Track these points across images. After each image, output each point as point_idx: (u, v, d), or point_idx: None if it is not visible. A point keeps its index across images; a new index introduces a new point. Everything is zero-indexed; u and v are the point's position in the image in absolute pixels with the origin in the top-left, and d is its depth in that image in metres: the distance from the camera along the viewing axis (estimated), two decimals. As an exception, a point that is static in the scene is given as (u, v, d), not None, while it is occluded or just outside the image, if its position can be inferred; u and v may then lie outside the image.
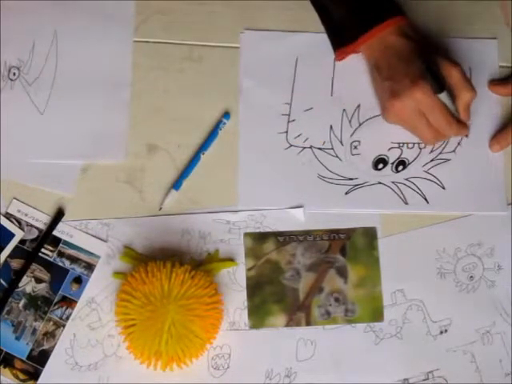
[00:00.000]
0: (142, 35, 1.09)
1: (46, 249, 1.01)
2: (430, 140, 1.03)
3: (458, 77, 1.00)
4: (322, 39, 1.09)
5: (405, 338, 1.00)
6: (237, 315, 1.00)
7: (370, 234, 1.03)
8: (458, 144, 1.07)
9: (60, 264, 1.01)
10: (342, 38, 1.06)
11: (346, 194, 1.04)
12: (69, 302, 1.00)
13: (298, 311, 1.01)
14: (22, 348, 0.98)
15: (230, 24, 1.08)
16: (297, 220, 1.03)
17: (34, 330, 0.99)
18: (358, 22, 1.04)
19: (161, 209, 1.03)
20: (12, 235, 1.01)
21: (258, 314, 1.00)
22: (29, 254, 1.01)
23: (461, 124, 1.02)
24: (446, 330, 1.00)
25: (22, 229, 1.02)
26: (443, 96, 0.99)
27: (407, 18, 1.04)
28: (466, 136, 1.05)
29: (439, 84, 0.98)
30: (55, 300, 1.00)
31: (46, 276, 1.00)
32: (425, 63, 0.98)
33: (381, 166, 1.05)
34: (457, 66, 1.00)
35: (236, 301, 1.00)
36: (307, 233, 1.03)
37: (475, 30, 1.10)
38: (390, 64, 1.02)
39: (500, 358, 1.00)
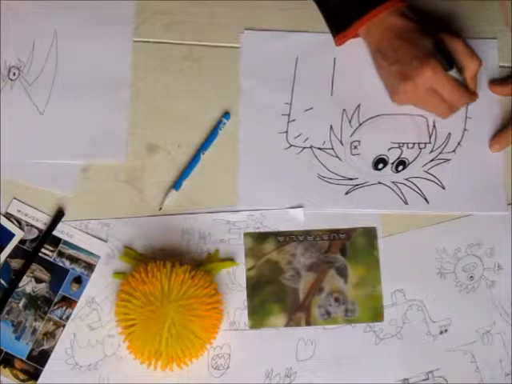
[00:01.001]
0: (142, 35, 1.09)
1: (46, 249, 1.01)
2: (445, 114, 1.04)
3: (462, 49, 1.01)
4: (322, 39, 1.09)
5: (405, 338, 1.00)
6: (237, 315, 1.00)
7: (370, 234, 1.03)
8: (458, 144, 1.07)
9: (60, 264, 1.01)
10: (339, 23, 1.06)
11: (346, 194, 1.04)
12: (69, 301, 1.00)
13: (298, 311, 1.01)
14: (22, 348, 0.98)
15: (230, 24, 1.08)
16: (297, 220, 1.03)
17: (34, 330, 0.99)
18: (355, 5, 1.04)
19: (161, 209, 1.03)
20: (12, 235, 1.01)
21: (257, 314, 1.00)
22: (29, 254, 1.01)
23: (470, 92, 1.04)
24: (446, 330, 1.01)
25: (22, 229, 1.02)
26: (459, 76, 1.02)
27: (405, 1, 1.04)
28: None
29: (448, 61, 1.00)
30: (55, 300, 1.00)
31: (45, 276, 1.00)
32: (433, 42, 1.00)
33: (381, 166, 1.05)
34: (459, 39, 1.01)
35: (236, 301, 1.00)
36: (307, 233, 1.03)
37: (475, 30, 1.10)
38: (393, 47, 1.02)
39: (500, 358, 1.00)
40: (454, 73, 1.01)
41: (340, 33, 1.06)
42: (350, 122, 1.07)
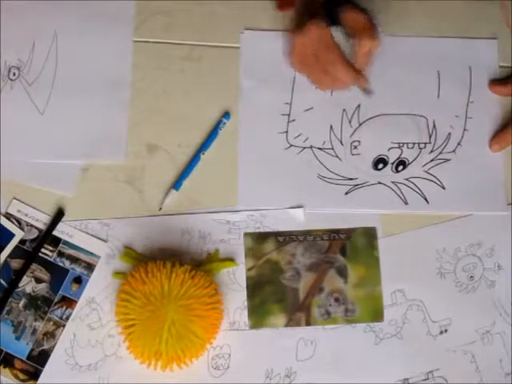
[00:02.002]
0: (142, 35, 1.09)
1: (46, 249, 1.01)
2: (323, 83, 1.03)
3: (362, 24, 1.00)
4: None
5: (405, 338, 1.00)
6: (237, 315, 1.00)
7: (370, 234, 1.03)
8: (458, 144, 1.07)
9: (60, 264, 1.01)
10: None
11: (346, 194, 1.04)
12: (69, 301, 1.00)
13: (298, 311, 1.01)
14: (22, 348, 0.98)
15: (230, 24, 1.08)
16: (297, 220, 1.03)
17: (34, 330, 0.99)
18: None
19: (161, 209, 1.03)
20: (12, 235, 1.01)
21: (257, 314, 1.00)
22: (29, 254, 1.01)
23: (357, 72, 1.01)
24: (446, 330, 1.01)
25: (22, 229, 1.02)
26: (346, 45, 1.00)
27: None
28: (367, 93, 1.04)
29: (332, 17, 0.98)
30: (55, 300, 1.00)
31: (45, 276, 1.00)
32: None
33: (381, 166, 1.06)
34: (365, 14, 1.00)
35: (236, 301, 1.00)
36: (307, 233, 1.03)
37: (475, 30, 1.10)
38: (299, 12, 1.02)
39: (500, 358, 1.00)
40: (346, 47, 1.00)
41: None
42: (349, 122, 1.07)
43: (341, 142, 1.06)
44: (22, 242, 1.01)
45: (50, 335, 0.99)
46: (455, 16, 1.11)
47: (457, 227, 1.03)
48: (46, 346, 0.99)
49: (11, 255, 1.01)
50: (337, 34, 0.99)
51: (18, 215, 1.02)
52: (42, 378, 0.98)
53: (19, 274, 1.00)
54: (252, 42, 1.09)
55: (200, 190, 1.04)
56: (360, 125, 1.07)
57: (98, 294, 1.00)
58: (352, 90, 1.05)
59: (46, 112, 1.06)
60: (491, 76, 1.09)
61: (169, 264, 0.95)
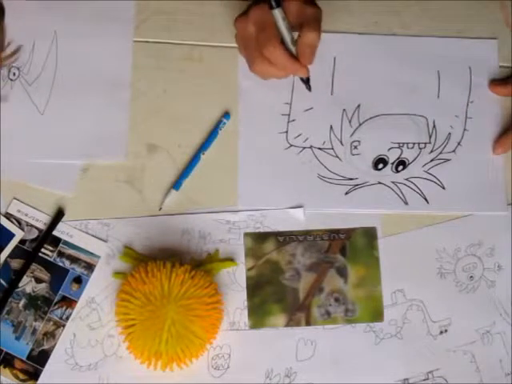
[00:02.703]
0: (142, 35, 1.09)
1: (46, 249, 1.01)
2: (259, 68, 1.01)
3: (308, 15, 0.99)
4: (322, 39, 1.08)
5: (405, 338, 1.00)
6: (237, 315, 1.00)
7: (370, 234, 1.03)
8: (458, 144, 1.07)
9: (60, 264, 1.01)
10: None
11: (346, 194, 1.04)
12: (69, 301, 1.00)
13: (298, 311, 1.01)
14: (22, 348, 0.98)
15: (230, 24, 1.08)
16: (297, 220, 1.03)
17: (34, 330, 0.99)
18: None
19: (161, 209, 1.03)
20: (12, 235, 1.01)
21: (257, 314, 1.00)
22: (29, 254, 1.01)
23: (295, 61, 0.99)
24: (446, 330, 1.01)
25: (22, 229, 1.02)
26: (285, 30, 0.97)
27: None
28: (307, 86, 1.04)
29: (277, 2, 0.96)
30: (55, 300, 1.00)
31: (45, 276, 1.00)
32: None
33: (381, 166, 1.06)
34: (313, 7, 0.99)
35: (236, 301, 1.00)
36: (307, 233, 1.03)
37: (475, 30, 1.10)
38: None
39: (500, 358, 1.00)
40: (285, 33, 0.98)
41: None
42: (349, 121, 1.07)
43: (341, 142, 1.06)
44: (22, 242, 1.01)
45: (50, 335, 0.99)
46: (455, 16, 1.10)
47: (457, 227, 1.03)
48: (46, 346, 0.99)
49: (11, 255, 1.01)
50: (277, 16, 0.97)
51: (17, 215, 1.02)
52: (42, 378, 0.98)
53: (19, 274, 1.00)
54: (252, 41, 1.09)
55: (200, 190, 1.04)
56: (360, 125, 1.07)
57: (98, 294, 1.00)
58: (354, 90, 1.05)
59: (45, 112, 1.06)
60: (491, 76, 1.09)
61: (169, 264, 0.95)
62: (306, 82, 1.04)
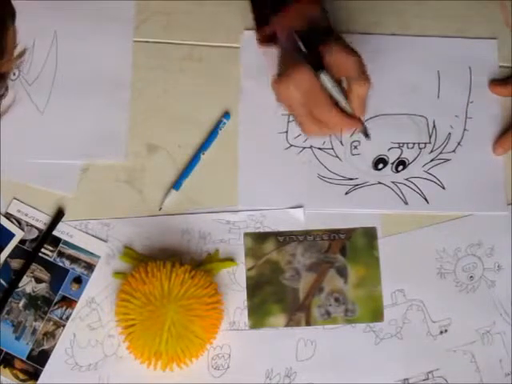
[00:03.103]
0: (142, 35, 1.09)
1: (46, 249, 1.01)
2: (310, 130, 0.97)
3: (353, 67, 0.94)
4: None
5: (405, 338, 1.00)
6: (237, 315, 1.00)
7: (370, 234, 1.03)
8: (458, 144, 1.07)
9: (60, 264, 1.01)
10: (261, 20, 1.03)
11: (346, 194, 1.04)
12: (69, 301, 1.00)
13: (298, 311, 1.01)
14: (22, 348, 0.98)
15: (230, 24, 1.08)
16: (297, 220, 1.03)
17: (34, 330, 0.99)
18: (274, 3, 1.00)
19: (161, 209, 1.03)
20: (12, 235, 1.01)
21: (257, 314, 1.00)
22: (29, 254, 1.01)
23: (350, 118, 0.95)
24: (446, 330, 1.01)
25: (22, 229, 1.02)
26: (336, 91, 0.93)
27: (319, 2, 1.00)
28: (366, 135, 0.99)
29: (315, 63, 0.92)
30: (55, 300, 1.00)
31: (45, 276, 1.00)
32: (297, 30, 0.93)
33: (381, 166, 1.06)
34: (354, 56, 0.94)
35: (236, 301, 1.00)
36: (307, 233, 1.03)
37: (475, 30, 1.10)
38: (285, 48, 0.98)
39: (500, 358, 1.00)
40: (338, 94, 0.93)
41: (261, 27, 1.04)
42: (350, 122, 1.07)
43: (341, 142, 1.06)
44: (22, 242, 1.01)
45: (50, 335, 0.99)
46: (455, 16, 1.10)
47: (457, 227, 1.03)
48: (46, 346, 0.99)
49: (11, 255, 1.01)
50: (324, 81, 0.93)
51: (17, 215, 1.02)
52: (42, 378, 0.98)
53: (19, 274, 1.00)
54: (252, 42, 1.09)
55: (200, 189, 1.04)
56: (360, 125, 1.07)
57: (98, 294, 1.00)
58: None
59: (45, 112, 1.06)
60: (491, 76, 1.09)
61: (169, 264, 0.95)
62: (364, 131, 0.99)
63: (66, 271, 1.01)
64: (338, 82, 0.94)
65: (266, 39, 1.04)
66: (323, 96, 0.93)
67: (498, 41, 1.10)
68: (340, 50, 0.94)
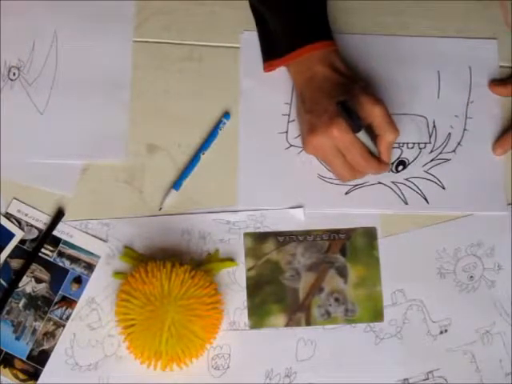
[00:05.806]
0: (142, 35, 1.09)
1: (46, 249, 1.01)
2: (345, 177, 1.01)
3: (380, 116, 0.97)
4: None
5: (405, 338, 1.00)
6: (237, 315, 1.00)
7: (370, 234, 1.03)
8: (458, 144, 1.07)
9: (60, 264, 1.01)
10: (272, 51, 1.06)
11: (346, 193, 1.04)
12: (69, 301, 1.00)
13: (298, 311, 1.01)
14: (22, 348, 0.98)
15: (230, 24, 1.08)
16: (297, 220, 1.03)
17: (34, 330, 0.99)
18: (289, 38, 1.04)
19: (161, 209, 1.03)
20: (12, 235, 1.01)
21: (257, 314, 1.00)
22: (29, 254, 1.01)
23: (381, 163, 1.00)
24: (446, 330, 1.01)
25: (22, 229, 1.02)
26: (362, 134, 0.97)
27: (336, 46, 1.03)
28: (391, 171, 1.04)
29: (355, 123, 0.95)
30: (55, 300, 1.00)
31: (46, 276, 1.00)
32: (339, 101, 0.94)
33: (381, 166, 1.06)
34: (380, 105, 0.98)
35: (236, 301, 1.00)
36: (307, 233, 1.03)
37: (475, 30, 1.10)
38: (312, 97, 1.00)
39: (500, 358, 1.00)
40: (365, 138, 0.97)
41: (269, 60, 1.06)
42: (350, 122, 1.07)
43: (341, 142, 1.06)
44: (22, 242, 1.01)
45: (50, 335, 0.99)
46: (455, 16, 1.11)
47: (457, 227, 1.03)
48: (46, 346, 0.99)
49: (11, 255, 1.01)
50: (361, 137, 0.97)
51: (18, 215, 1.02)
52: (42, 378, 0.98)
53: (19, 273, 1.00)
54: (252, 42, 1.09)
55: (200, 190, 1.04)
56: (360, 125, 1.07)
57: (98, 294, 1.00)
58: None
59: (45, 112, 1.06)
60: (491, 76, 1.09)
61: (169, 264, 0.95)
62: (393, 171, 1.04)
63: (66, 271, 1.01)
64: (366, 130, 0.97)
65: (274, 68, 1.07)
66: (360, 148, 0.98)
67: (497, 41, 1.10)
68: (367, 101, 0.97)
